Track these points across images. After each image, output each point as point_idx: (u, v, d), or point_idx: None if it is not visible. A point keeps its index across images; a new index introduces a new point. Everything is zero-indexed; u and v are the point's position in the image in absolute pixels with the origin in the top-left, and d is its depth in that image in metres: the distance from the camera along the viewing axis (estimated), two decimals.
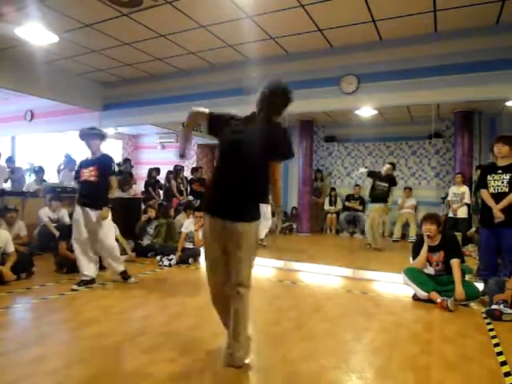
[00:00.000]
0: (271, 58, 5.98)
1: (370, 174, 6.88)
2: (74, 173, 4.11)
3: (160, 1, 4.38)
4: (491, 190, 3.94)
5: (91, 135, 4.01)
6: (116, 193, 6.76)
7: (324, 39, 5.35)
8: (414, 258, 4.00)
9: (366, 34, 5.12)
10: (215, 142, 2.35)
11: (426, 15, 4.56)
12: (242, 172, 2.14)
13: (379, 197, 6.55)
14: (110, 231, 4.07)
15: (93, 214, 3.91)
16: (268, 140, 2.16)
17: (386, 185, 6.52)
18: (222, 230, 2.18)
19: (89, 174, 3.95)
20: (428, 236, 3.82)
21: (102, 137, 4.13)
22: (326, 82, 5.66)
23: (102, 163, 4.01)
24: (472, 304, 3.65)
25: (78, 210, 3.96)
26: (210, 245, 2.29)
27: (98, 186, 3.95)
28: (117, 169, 8.14)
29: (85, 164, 4.05)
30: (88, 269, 3.94)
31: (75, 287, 3.82)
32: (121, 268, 4.15)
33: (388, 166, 6.69)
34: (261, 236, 6.98)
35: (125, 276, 4.15)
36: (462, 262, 3.77)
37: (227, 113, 2.34)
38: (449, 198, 6.78)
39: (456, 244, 3.89)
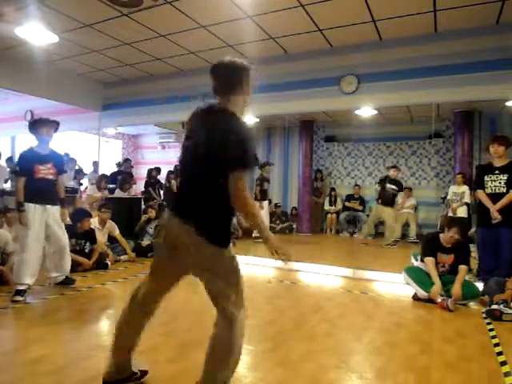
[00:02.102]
0: (271, 57, 5.98)
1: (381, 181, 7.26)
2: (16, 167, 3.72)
3: (160, 1, 4.38)
4: (488, 190, 3.95)
5: (55, 129, 3.73)
6: (116, 193, 6.83)
7: (324, 39, 5.35)
8: (423, 255, 3.92)
9: (366, 33, 5.12)
10: None
11: (426, 15, 4.56)
12: None
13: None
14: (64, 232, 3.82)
15: (55, 210, 3.69)
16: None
17: (396, 188, 6.99)
18: None
19: (47, 171, 3.65)
20: (449, 242, 3.81)
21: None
22: (326, 81, 5.66)
23: (58, 160, 3.80)
24: (472, 304, 3.65)
25: (34, 209, 3.55)
26: None
27: (55, 183, 3.74)
28: (117, 169, 8.23)
29: (39, 159, 3.64)
30: (32, 277, 3.50)
31: (18, 298, 3.37)
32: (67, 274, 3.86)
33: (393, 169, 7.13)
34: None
35: (68, 282, 3.85)
36: (469, 269, 3.80)
37: None
38: (448, 197, 6.78)
39: (467, 251, 3.88)
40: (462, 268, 3.68)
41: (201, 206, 1.70)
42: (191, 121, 1.85)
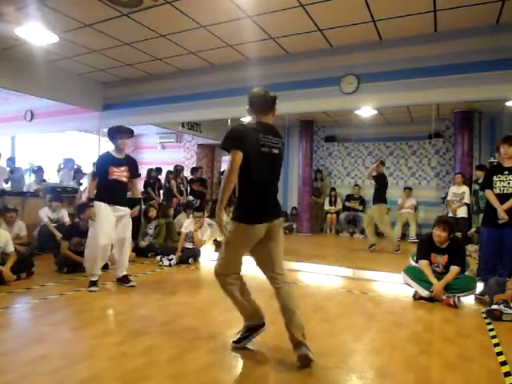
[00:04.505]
0: (271, 57, 5.97)
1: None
2: (94, 169, 4.02)
3: (160, 1, 4.38)
4: (497, 190, 3.94)
5: (130, 134, 4.08)
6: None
7: (324, 39, 5.35)
8: (418, 257, 3.97)
9: (366, 33, 5.12)
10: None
11: (426, 15, 4.55)
12: (276, 180, 2.53)
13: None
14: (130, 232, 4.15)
15: (125, 212, 3.94)
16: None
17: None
18: (266, 229, 2.40)
19: (120, 173, 3.89)
20: (437, 241, 3.82)
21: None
22: (326, 81, 5.65)
23: (133, 165, 4.09)
24: (472, 304, 3.66)
25: (105, 207, 3.75)
26: (244, 247, 2.44)
27: (127, 187, 4.01)
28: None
29: (114, 162, 3.88)
30: (101, 269, 3.91)
31: (95, 289, 3.77)
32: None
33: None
34: None
35: (125, 280, 4.06)
36: (462, 271, 3.78)
37: (244, 129, 2.33)
38: (448, 198, 6.79)
39: (462, 253, 3.89)
40: (453, 269, 3.70)
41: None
42: None
